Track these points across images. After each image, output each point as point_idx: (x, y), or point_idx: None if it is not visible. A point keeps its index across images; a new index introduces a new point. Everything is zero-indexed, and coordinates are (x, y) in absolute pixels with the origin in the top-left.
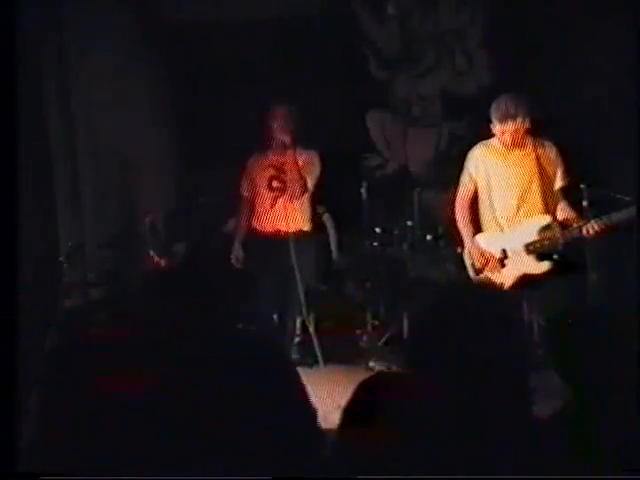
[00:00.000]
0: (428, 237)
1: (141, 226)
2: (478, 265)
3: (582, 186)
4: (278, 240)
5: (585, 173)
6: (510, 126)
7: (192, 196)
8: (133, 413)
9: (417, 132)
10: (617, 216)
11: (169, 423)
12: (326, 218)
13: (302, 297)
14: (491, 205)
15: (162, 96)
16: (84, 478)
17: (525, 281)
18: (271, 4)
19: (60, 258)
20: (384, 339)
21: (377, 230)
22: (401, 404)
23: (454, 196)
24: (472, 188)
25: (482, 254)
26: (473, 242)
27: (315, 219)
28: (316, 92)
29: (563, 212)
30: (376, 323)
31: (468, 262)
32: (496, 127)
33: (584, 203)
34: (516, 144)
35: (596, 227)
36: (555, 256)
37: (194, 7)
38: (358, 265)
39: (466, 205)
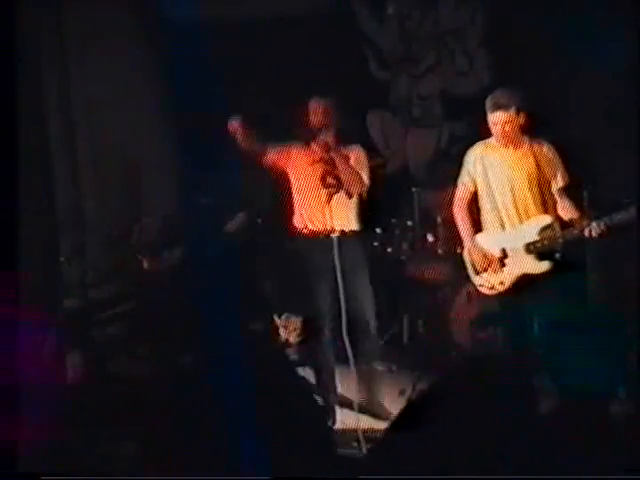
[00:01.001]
0: (428, 237)
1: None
2: (478, 265)
3: (582, 186)
4: (324, 238)
5: (585, 173)
6: (500, 117)
7: (192, 196)
8: (133, 413)
9: (417, 132)
10: (618, 217)
11: (169, 424)
12: None
13: (342, 298)
14: (490, 205)
15: (162, 96)
16: (84, 478)
17: (525, 281)
18: (271, 4)
19: (60, 258)
20: (384, 339)
21: (377, 230)
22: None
23: (453, 196)
24: (471, 188)
25: (482, 254)
26: (473, 242)
27: (364, 217)
28: (316, 92)
29: (563, 212)
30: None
31: (468, 262)
32: (488, 119)
33: (584, 204)
34: (509, 139)
35: (597, 228)
36: (555, 256)
37: (194, 7)
38: None
39: (465, 205)
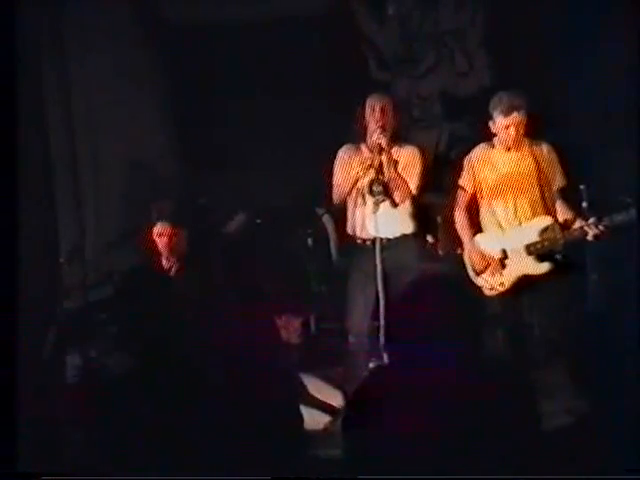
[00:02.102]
0: (428, 238)
1: (141, 227)
2: (478, 266)
3: (582, 187)
4: (369, 246)
5: (585, 174)
6: (515, 118)
7: (192, 197)
8: (133, 414)
9: (417, 133)
10: (618, 218)
11: (169, 424)
12: (326, 219)
13: (382, 305)
14: (490, 207)
15: (162, 96)
16: (84, 478)
17: (525, 282)
18: (271, 4)
19: (60, 259)
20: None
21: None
22: (400, 403)
23: (453, 198)
24: (470, 190)
25: (482, 255)
26: (473, 243)
27: (419, 221)
28: (316, 92)
29: (563, 213)
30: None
31: (468, 263)
32: (499, 122)
33: (584, 204)
34: (514, 142)
35: (597, 229)
36: (555, 257)
37: (194, 8)
38: None
39: (465, 207)
